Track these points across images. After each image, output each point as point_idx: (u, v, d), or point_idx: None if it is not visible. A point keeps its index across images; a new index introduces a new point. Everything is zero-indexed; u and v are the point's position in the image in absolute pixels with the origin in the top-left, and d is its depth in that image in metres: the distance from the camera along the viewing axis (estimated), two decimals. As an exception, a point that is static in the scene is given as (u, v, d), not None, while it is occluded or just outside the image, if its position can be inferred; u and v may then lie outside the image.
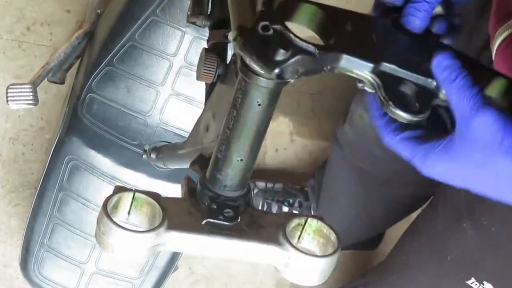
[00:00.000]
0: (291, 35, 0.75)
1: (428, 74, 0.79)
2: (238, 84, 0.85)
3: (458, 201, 1.28)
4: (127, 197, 0.87)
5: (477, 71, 0.80)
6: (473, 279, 1.30)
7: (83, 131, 1.64)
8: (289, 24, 0.78)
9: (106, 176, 1.65)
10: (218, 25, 1.11)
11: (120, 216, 0.87)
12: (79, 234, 1.67)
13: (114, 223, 0.83)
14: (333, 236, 0.90)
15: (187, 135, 1.24)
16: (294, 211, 1.98)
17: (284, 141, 2.06)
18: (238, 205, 0.91)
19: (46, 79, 1.68)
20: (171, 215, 0.86)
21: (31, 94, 1.53)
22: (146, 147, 1.40)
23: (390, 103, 0.76)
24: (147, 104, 1.62)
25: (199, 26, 1.12)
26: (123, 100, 1.62)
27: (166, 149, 1.34)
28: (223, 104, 0.97)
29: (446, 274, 1.39)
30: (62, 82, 1.81)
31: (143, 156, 1.40)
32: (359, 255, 2.08)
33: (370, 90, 0.80)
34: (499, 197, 0.79)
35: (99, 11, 1.78)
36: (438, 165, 0.79)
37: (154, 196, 0.88)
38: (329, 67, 0.77)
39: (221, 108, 0.98)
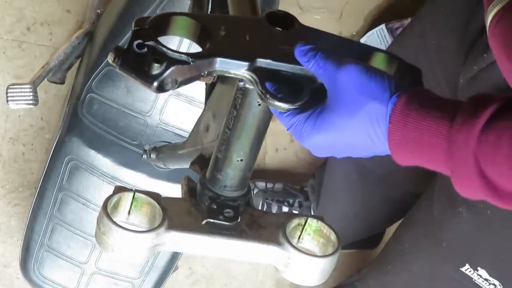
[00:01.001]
0: (164, 48, 0.78)
1: None
2: (238, 84, 0.85)
3: (453, 187, 1.28)
4: (127, 197, 0.87)
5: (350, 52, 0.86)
6: (467, 266, 1.30)
7: (83, 131, 1.64)
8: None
9: (106, 176, 1.65)
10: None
11: (120, 216, 0.88)
12: (79, 234, 1.67)
13: (114, 223, 0.83)
14: (333, 236, 0.91)
15: (187, 135, 1.24)
16: (294, 211, 1.98)
17: (284, 141, 2.06)
18: (238, 205, 0.91)
19: (46, 79, 1.68)
20: (171, 215, 0.86)
21: (31, 94, 1.53)
22: (146, 147, 1.40)
23: (268, 96, 0.79)
24: (147, 104, 1.62)
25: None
26: (123, 100, 1.62)
27: (166, 149, 1.34)
28: (223, 104, 0.97)
29: (441, 261, 1.39)
30: (62, 82, 1.81)
31: (143, 156, 1.40)
32: (359, 255, 2.08)
33: (251, 87, 0.83)
34: (373, 151, 0.82)
35: (99, 11, 1.77)
36: (314, 133, 0.82)
37: (154, 196, 0.88)
38: (206, 72, 0.80)
39: (221, 108, 0.98)
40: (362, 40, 2.07)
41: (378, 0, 2.13)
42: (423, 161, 0.80)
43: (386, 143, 0.80)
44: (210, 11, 1.14)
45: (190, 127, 1.19)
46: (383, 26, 2.03)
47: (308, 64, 0.82)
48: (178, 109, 1.63)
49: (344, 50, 0.87)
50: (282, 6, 1.35)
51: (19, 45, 1.93)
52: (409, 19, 1.92)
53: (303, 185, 1.98)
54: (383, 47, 1.85)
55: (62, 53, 1.69)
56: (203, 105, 1.16)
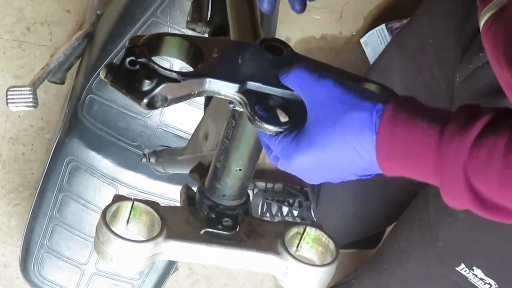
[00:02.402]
0: (155, 66, 0.79)
1: None
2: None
3: None
4: (126, 206, 0.88)
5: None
6: (463, 265, 1.30)
7: (83, 132, 1.64)
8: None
9: (106, 177, 1.65)
10: (218, 31, 1.11)
11: (119, 225, 0.88)
12: (79, 235, 1.68)
13: (113, 232, 0.83)
14: (331, 245, 0.91)
15: (187, 136, 1.24)
16: (294, 211, 1.98)
17: (284, 141, 2.06)
18: (236, 214, 0.91)
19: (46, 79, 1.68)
20: (170, 224, 0.87)
21: (30, 96, 1.54)
22: (146, 151, 1.40)
23: (256, 118, 0.80)
24: (147, 105, 1.62)
25: (199, 33, 1.12)
26: (123, 101, 1.62)
27: (166, 154, 1.34)
28: (222, 113, 0.97)
29: (437, 260, 1.39)
30: (62, 83, 1.81)
31: (143, 160, 1.40)
32: (358, 254, 2.08)
33: (240, 109, 0.84)
34: (360, 166, 0.80)
35: (99, 12, 1.77)
36: (298, 153, 0.81)
37: (153, 205, 0.88)
38: (196, 92, 0.81)
39: (220, 117, 0.98)
40: (362, 40, 2.07)
41: (378, 0, 2.12)
42: (411, 172, 0.79)
43: (374, 155, 0.78)
44: (210, 16, 1.14)
45: (190, 129, 1.19)
46: (383, 26, 2.03)
47: (288, 79, 0.82)
48: (178, 111, 1.63)
49: None
50: (283, 6, 1.34)
51: (19, 45, 1.93)
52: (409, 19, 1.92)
53: (303, 185, 1.98)
54: (383, 47, 1.85)
55: (62, 54, 1.69)
56: (203, 107, 1.16)
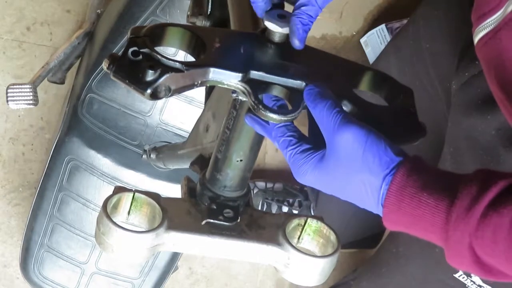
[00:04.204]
0: (158, 56, 0.79)
1: (296, 76, 0.83)
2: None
3: None
4: (127, 197, 0.87)
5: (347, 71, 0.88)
6: (460, 272, 1.30)
7: (83, 131, 1.64)
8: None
9: (106, 176, 1.65)
10: (218, 25, 1.12)
11: (120, 217, 0.87)
12: (79, 234, 1.67)
13: (114, 223, 0.83)
14: (332, 236, 0.91)
15: (187, 135, 1.24)
16: (294, 211, 1.98)
17: (284, 141, 2.06)
18: (238, 205, 0.91)
19: (46, 79, 1.67)
20: (171, 215, 0.86)
21: (31, 94, 1.53)
22: (146, 147, 1.40)
23: (260, 106, 0.80)
24: (147, 104, 1.62)
25: (199, 27, 1.12)
26: (123, 100, 1.62)
27: (166, 149, 1.34)
28: (223, 104, 0.97)
29: (434, 266, 1.39)
30: (62, 82, 1.81)
31: (143, 156, 1.40)
32: (358, 254, 2.08)
33: (243, 99, 0.84)
34: (364, 207, 0.82)
35: (99, 11, 1.77)
36: (309, 175, 0.83)
37: (154, 196, 0.88)
38: (200, 81, 0.81)
39: (221, 108, 0.98)
40: (362, 40, 2.08)
41: (378, 0, 2.13)
42: (417, 236, 0.81)
43: (380, 212, 0.80)
44: (210, 11, 1.14)
45: (190, 127, 1.19)
46: (383, 26, 2.03)
47: (313, 109, 0.82)
48: (178, 109, 1.63)
49: (336, 70, 0.88)
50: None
51: (19, 45, 1.93)
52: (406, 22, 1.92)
53: (302, 185, 1.98)
54: (383, 47, 1.85)
55: (62, 53, 1.69)
56: (203, 105, 1.16)
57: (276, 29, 0.84)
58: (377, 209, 0.81)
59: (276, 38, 0.85)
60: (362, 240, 1.98)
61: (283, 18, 0.84)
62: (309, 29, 0.85)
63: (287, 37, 0.86)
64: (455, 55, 1.26)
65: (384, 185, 0.78)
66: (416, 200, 0.77)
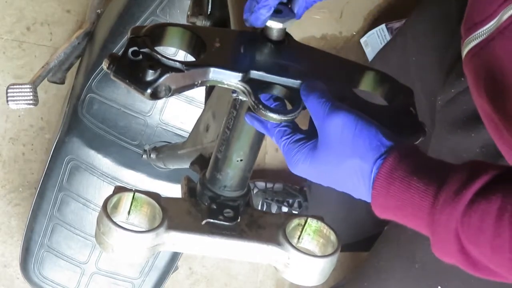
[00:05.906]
0: (158, 55, 0.79)
1: (296, 76, 0.83)
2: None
3: None
4: (127, 197, 0.87)
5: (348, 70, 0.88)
6: None
7: (83, 131, 1.64)
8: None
9: (106, 176, 1.65)
10: (218, 25, 1.12)
11: (120, 217, 0.87)
12: (79, 234, 1.67)
13: (114, 223, 0.83)
14: (332, 236, 0.91)
15: (187, 135, 1.24)
16: (294, 211, 1.98)
17: (284, 141, 2.06)
18: (238, 205, 0.91)
19: (46, 79, 1.67)
20: (171, 215, 0.86)
21: (31, 94, 1.53)
22: (146, 147, 1.40)
23: (260, 106, 0.80)
24: (147, 104, 1.62)
25: (199, 27, 1.12)
26: (123, 100, 1.62)
27: (166, 149, 1.34)
28: (223, 104, 0.97)
29: (414, 282, 1.39)
30: (62, 82, 1.81)
31: (143, 156, 1.40)
32: (358, 254, 2.08)
33: (243, 98, 0.84)
34: (358, 196, 0.82)
35: (99, 11, 1.77)
36: (302, 164, 0.82)
37: (154, 196, 0.88)
38: (200, 81, 0.81)
39: (221, 108, 0.98)
40: (362, 40, 2.08)
41: (378, 0, 2.13)
42: (404, 224, 0.80)
43: (370, 197, 0.80)
44: (210, 11, 1.14)
45: (190, 127, 1.19)
46: (383, 26, 2.03)
47: (305, 98, 0.83)
48: (178, 109, 1.63)
49: (336, 70, 0.88)
50: (282, 6, 1.35)
51: (19, 45, 1.93)
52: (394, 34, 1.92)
53: (302, 185, 1.98)
54: (383, 47, 1.85)
55: (62, 53, 1.69)
56: (203, 105, 1.16)
57: (276, 25, 0.84)
58: (368, 196, 0.80)
59: (275, 35, 0.85)
60: (354, 244, 1.98)
61: (279, 13, 0.85)
62: (311, 5, 0.85)
63: (286, 35, 0.86)
64: (442, 70, 1.26)
65: (374, 169, 0.78)
66: (405, 184, 0.77)
